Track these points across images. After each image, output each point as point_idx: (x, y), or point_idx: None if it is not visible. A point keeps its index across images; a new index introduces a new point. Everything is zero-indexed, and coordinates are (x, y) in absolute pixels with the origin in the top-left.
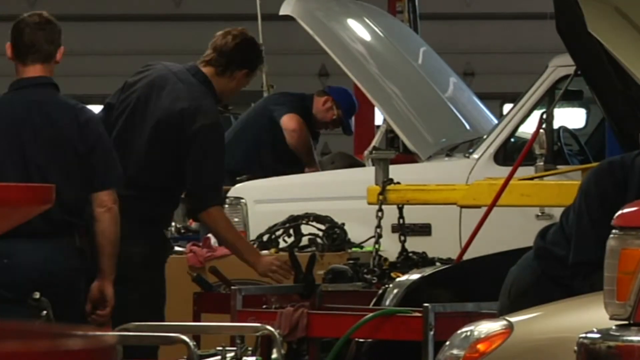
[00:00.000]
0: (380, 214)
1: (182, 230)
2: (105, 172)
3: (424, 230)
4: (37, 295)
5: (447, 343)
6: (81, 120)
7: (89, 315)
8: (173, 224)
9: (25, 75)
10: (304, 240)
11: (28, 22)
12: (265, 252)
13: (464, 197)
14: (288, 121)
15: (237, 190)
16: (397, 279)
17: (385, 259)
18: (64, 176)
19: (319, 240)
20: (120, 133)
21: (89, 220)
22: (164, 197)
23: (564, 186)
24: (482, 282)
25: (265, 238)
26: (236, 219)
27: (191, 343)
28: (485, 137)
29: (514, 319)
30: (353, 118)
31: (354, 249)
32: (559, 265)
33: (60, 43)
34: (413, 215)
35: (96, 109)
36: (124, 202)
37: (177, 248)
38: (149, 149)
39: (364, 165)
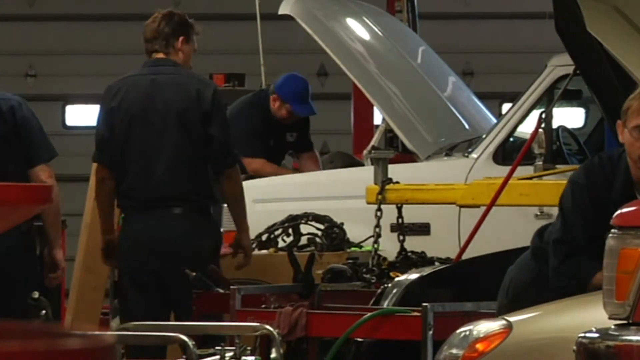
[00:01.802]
0: (379, 213)
1: None
2: (35, 149)
3: (423, 229)
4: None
5: (446, 342)
6: (3, 109)
7: (45, 279)
8: None
9: None
10: (303, 240)
11: None
12: (264, 251)
13: (463, 196)
14: None
15: None
16: (396, 279)
17: (384, 259)
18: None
19: (317, 239)
20: (141, 147)
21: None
22: (208, 182)
23: (563, 186)
24: (481, 282)
25: (264, 237)
26: None
27: (190, 343)
28: (484, 136)
29: (512, 318)
30: (310, 100)
31: (353, 249)
32: None
33: None
34: (412, 214)
35: (95, 108)
36: (183, 202)
37: None
38: (182, 143)
39: (363, 165)
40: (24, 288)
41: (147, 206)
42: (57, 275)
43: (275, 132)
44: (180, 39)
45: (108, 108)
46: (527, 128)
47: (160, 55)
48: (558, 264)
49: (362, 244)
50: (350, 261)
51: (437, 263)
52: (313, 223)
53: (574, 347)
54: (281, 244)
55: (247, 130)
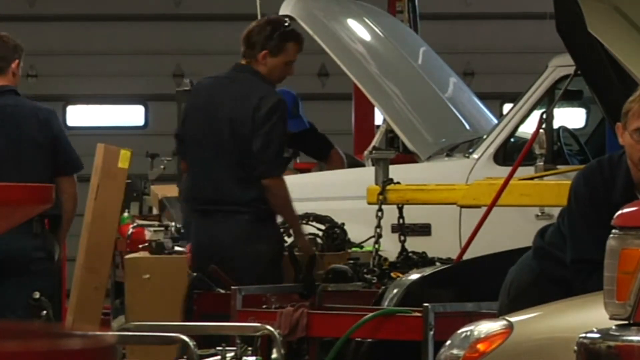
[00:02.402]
0: (380, 214)
1: (182, 230)
2: (65, 161)
3: (424, 230)
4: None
5: (447, 343)
6: (40, 118)
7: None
8: (173, 223)
9: None
10: None
11: None
12: None
13: (464, 197)
14: None
15: None
16: (397, 279)
17: (385, 259)
18: (24, 169)
19: (318, 240)
20: (205, 149)
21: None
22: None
23: (563, 186)
24: (482, 282)
25: None
26: None
27: (191, 343)
28: (485, 137)
29: (513, 318)
30: (301, 108)
31: (354, 249)
32: (558, 266)
33: (14, 57)
34: (413, 215)
35: (95, 108)
36: (241, 208)
37: (177, 248)
38: (238, 150)
39: (363, 165)
40: (32, 289)
41: (207, 210)
42: None
43: None
44: (264, 52)
45: (185, 106)
46: (528, 128)
47: (243, 62)
48: (583, 284)
49: (363, 245)
50: (351, 261)
51: (438, 263)
52: (314, 223)
53: (575, 348)
54: None
55: None
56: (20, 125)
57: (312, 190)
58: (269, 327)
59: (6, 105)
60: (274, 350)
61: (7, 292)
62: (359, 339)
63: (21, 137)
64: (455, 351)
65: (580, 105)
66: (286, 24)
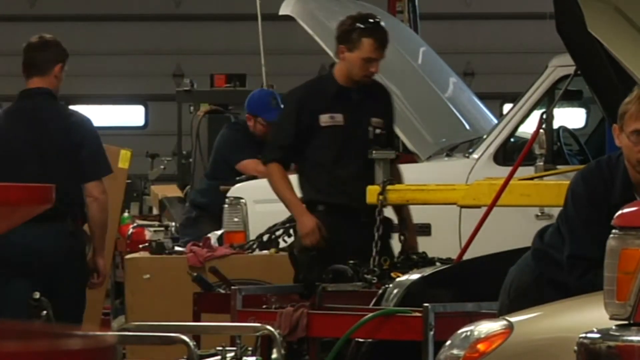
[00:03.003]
0: (380, 213)
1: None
2: (91, 166)
3: (424, 230)
4: (37, 295)
5: (447, 343)
6: (68, 124)
7: (87, 283)
8: (172, 223)
9: (28, 86)
10: None
11: (30, 44)
12: (265, 252)
13: (464, 197)
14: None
15: (237, 190)
16: (397, 279)
17: (386, 259)
18: (49, 173)
19: None
20: None
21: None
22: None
23: (563, 186)
24: (482, 282)
25: (265, 238)
26: (236, 219)
27: (191, 343)
28: (485, 137)
29: (514, 319)
30: (281, 106)
31: None
32: (557, 268)
33: (57, 60)
34: (413, 215)
35: (95, 108)
36: None
37: (177, 248)
38: None
39: None
40: (68, 286)
41: None
42: (98, 281)
43: (259, 148)
44: (341, 46)
45: None
46: (528, 128)
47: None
48: (577, 281)
49: None
50: (351, 262)
51: (438, 263)
52: None
53: (575, 348)
54: (282, 244)
55: (235, 141)
56: (48, 130)
57: None
58: (269, 327)
59: (37, 108)
60: (274, 350)
61: (36, 291)
62: (359, 339)
63: (47, 142)
64: (455, 351)
65: (580, 105)
66: (370, 20)
